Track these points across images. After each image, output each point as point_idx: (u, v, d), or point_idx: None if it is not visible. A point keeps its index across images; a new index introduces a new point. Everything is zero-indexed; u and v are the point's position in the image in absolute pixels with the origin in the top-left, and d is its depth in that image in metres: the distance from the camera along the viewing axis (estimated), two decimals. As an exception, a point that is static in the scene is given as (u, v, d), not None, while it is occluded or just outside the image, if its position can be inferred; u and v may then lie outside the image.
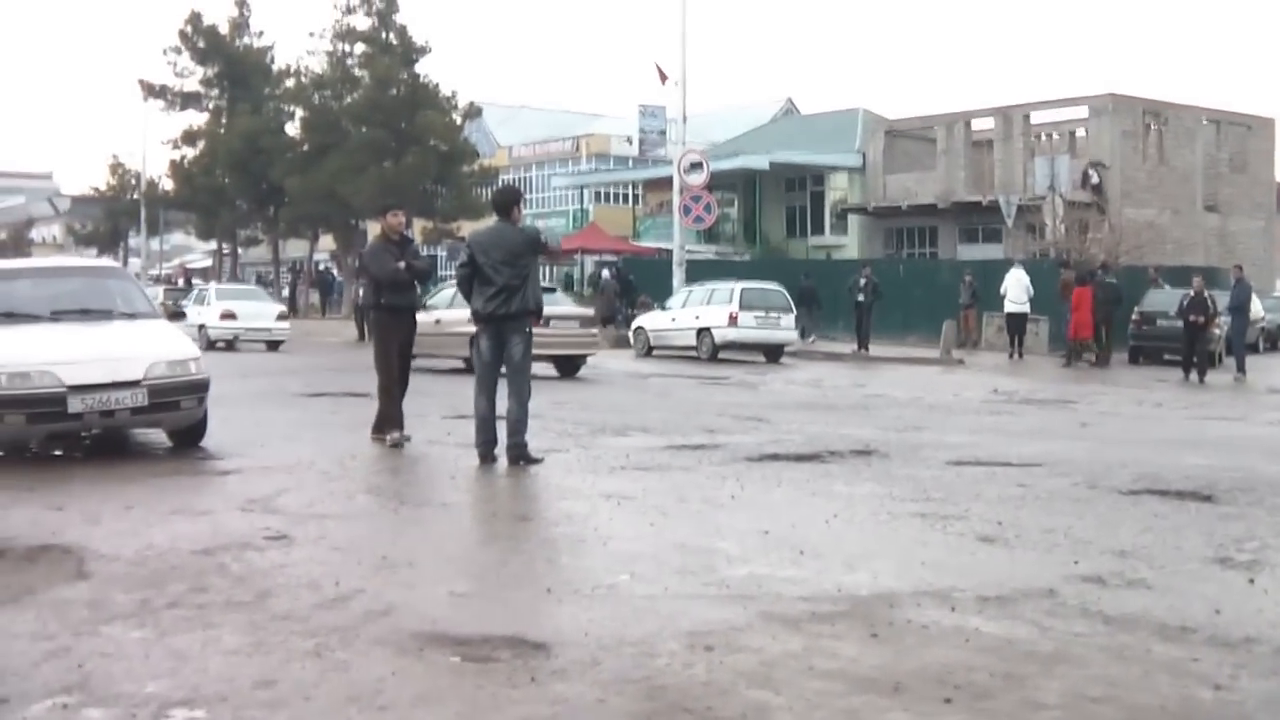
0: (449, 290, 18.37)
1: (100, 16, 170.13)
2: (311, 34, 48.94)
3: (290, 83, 50.77)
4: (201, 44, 53.28)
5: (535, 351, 9.73)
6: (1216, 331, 23.45)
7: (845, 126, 48.24)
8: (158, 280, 52.58)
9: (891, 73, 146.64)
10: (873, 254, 42.14)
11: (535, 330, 9.46)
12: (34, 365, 9.08)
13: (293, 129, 51.00)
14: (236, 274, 57.42)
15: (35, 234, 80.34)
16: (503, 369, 9.29)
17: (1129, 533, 6.94)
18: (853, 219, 46.58)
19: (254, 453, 9.78)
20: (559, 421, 11.99)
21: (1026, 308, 26.97)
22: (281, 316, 28.64)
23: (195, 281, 48.89)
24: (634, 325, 28.23)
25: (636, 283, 35.56)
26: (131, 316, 10.53)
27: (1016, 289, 26.85)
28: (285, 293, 52.55)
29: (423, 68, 46.44)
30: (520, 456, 9.09)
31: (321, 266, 57.22)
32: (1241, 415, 15.54)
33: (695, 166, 31.52)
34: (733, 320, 24.68)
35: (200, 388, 9.77)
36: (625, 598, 5.34)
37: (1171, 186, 41.22)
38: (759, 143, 49.77)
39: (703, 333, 25.10)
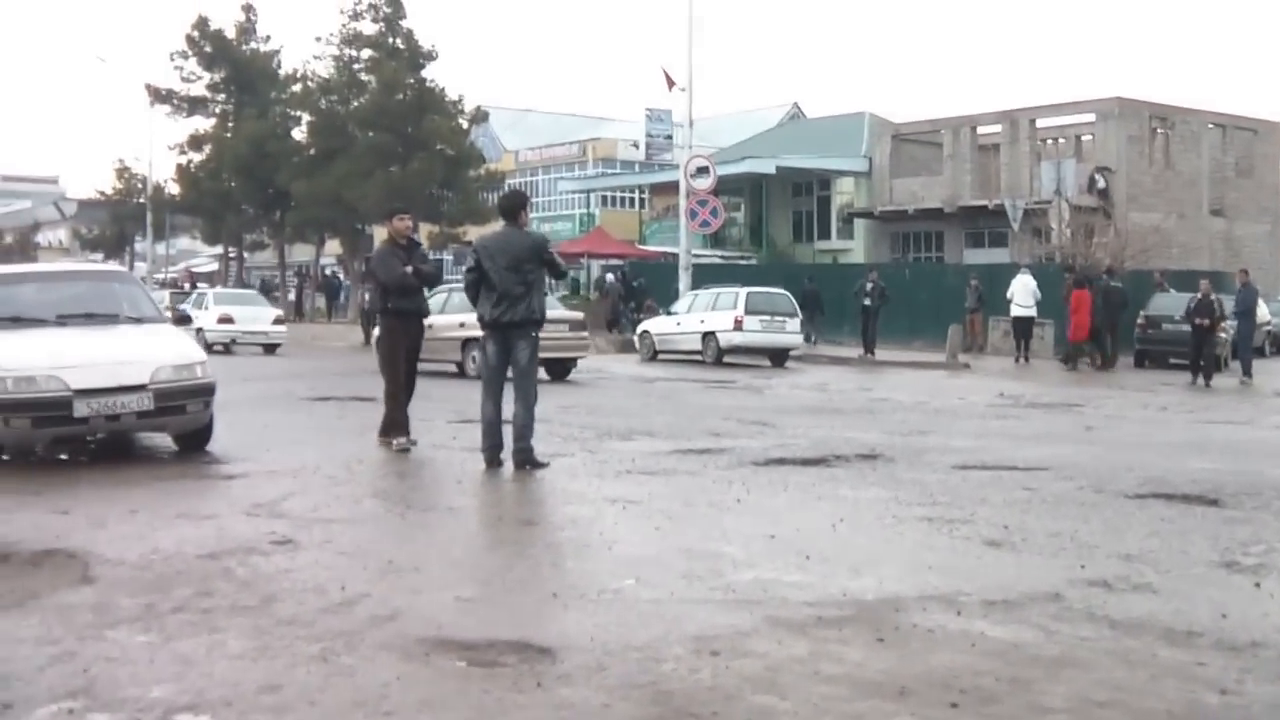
0: (439, 295, 18.48)
1: (107, 21, 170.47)
2: (318, 39, 49.08)
3: (297, 87, 50.81)
4: (208, 49, 53.33)
5: None
6: (1222, 335, 23.43)
7: (851, 131, 48.26)
8: (163, 284, 52.61)
9: (898, 77, 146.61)
10: (879, 258, 42.15)
11: None
12: (40, 369, 9.10)
13: (299, 134, 51.03)
14: (242, 278, 57.49)
15: (41, 238, 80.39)
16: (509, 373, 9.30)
17: (1135, 537, 6.93)
18: (859, 223, 46.61)
19: (260, 457, 9.78)
20: (565, 426, 12.00)
21: (1033, 312, 26.94)
22: (278, 320, 29.36)
23: (201, 286, 48.91)
24: (639, 329, 28.26)
25: (645, 287, 35.57)
26: (137, 321, 10.55)
27: (1023, 293, 26.82)
28: (291, 297, 52.60)
29: (429, 73, 46.46)
30: (526, 461, 9.09)
31: (328, 271, 57.28)
32: (1247, 419, 15.52)
33: (701, 171, 31.54)
34: (738, 324, 24.68)
35: (206, 392, 9.77)
36: (631, 602, 5.33)
37: (1177, 191, 41.19)
38: (765, 147, 49.78)
39: (708, 337, 25.10)
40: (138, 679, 4.26)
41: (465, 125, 47.04)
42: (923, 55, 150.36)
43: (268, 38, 55.06)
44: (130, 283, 12.10)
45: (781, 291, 26.34)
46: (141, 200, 59.83)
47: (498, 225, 9.69)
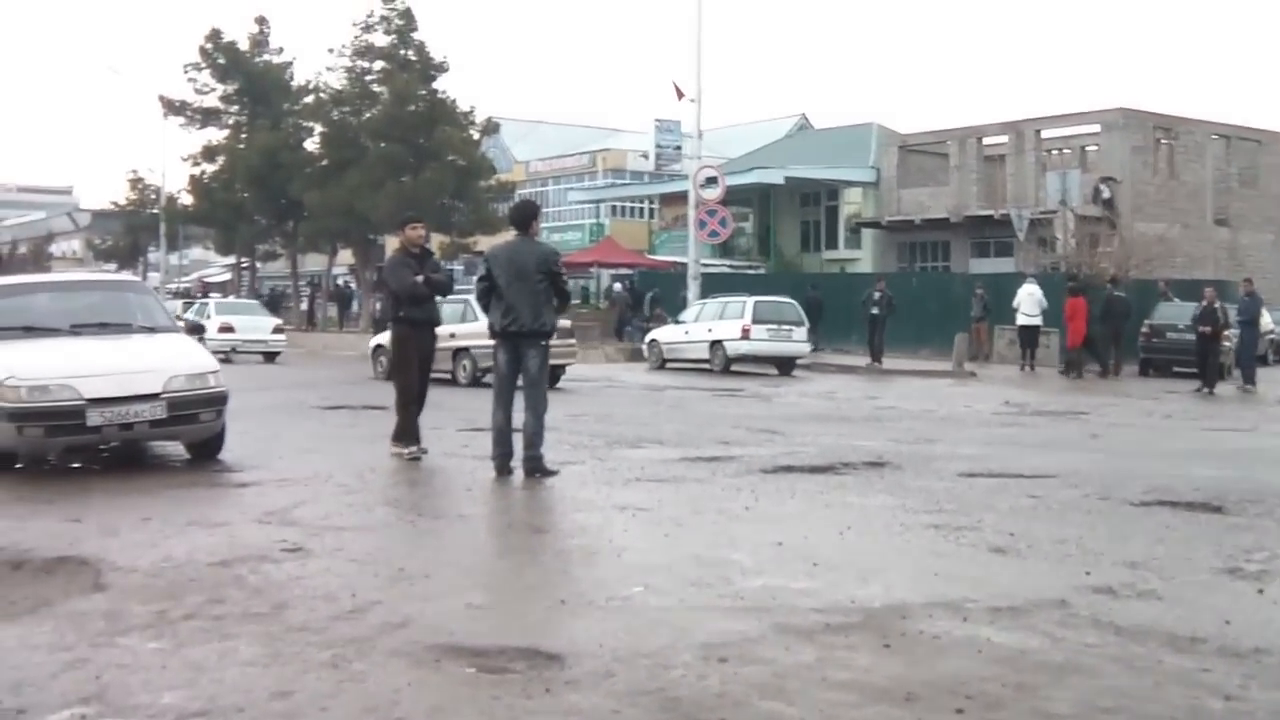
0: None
1: (121, 34, 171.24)
2: (331, 51, 48.83)
3: (309, 99, 50.86)
4: (222, 60, 53.43)
5: None
6: (1226, 344, 23.46)
7: (859, 142, 48.28)
8: (176, 294, 52.75)
9: (905, 88, 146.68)
10: (886, 268, 42.10)
11: None
12: (53, 379, 9.15)
13: (312, 145, 51.07)
14: (255, 288, 57.59)
15: (55, 248, 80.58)
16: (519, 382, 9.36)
17: (1140, 544, 6.95)
18: (866, 233, 46.58)
19: (271, 465, 9.83)
20: (574, 434, 12.03)
21: (1039, 320, 26.95)
22: (277, 329, 30.45)
23: (212, 295, 49.04)
24: (648, 338, 28.34)
25: (659, 297, 35.61)
26: (150, 330, 10.60)
27: (1029, 303, 26.83)
28: (304, 306, 52.71)
29: (441, 84, 46.49)
30: (536, 469, 9.13)
31: (340, 280, 57.36)
32: (1251, 427, 15.54)
33: (710, 181, 31.59)
34: (745, 333, 24.74)
35: (218, 401, 9.82)
36: (640, 609, 5.36)
37: (1182, 201, 41.11)
38: (774, 158, 49.80)
39: (716, 345, 25.15)
40: (149, 686, 4.30)
41: (476, 136, 47.08)
42: (929, 67, 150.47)
43: (280, 49, 55.17)
44: (143, 292, 12.17)
45: (788, 300, 26.38)
46: (155, 211, 59.97)
47: (509, 235, 9.74)
